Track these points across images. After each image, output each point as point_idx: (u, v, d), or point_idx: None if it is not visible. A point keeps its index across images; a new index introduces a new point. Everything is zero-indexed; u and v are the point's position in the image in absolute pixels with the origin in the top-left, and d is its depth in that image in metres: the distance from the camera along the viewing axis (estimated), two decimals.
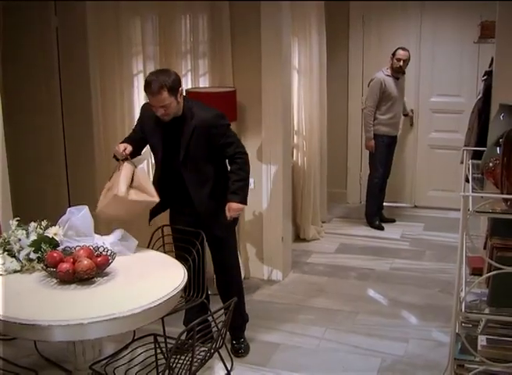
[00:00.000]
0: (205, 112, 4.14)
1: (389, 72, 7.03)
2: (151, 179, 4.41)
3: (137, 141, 4.25)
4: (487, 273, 3.04)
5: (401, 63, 6.96)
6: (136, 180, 3.90)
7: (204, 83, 5.52)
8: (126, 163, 3.96)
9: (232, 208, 4.17)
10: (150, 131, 4.20)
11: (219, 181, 4.26)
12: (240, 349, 4.51)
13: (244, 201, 4.25)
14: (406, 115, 7.67)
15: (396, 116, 7.15)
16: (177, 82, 3.94)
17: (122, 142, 4.21)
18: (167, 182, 4.23)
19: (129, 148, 4.07)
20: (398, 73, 7.04)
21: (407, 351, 4.54)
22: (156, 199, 3.89)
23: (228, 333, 4.40)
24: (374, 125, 7.04)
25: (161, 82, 3.83)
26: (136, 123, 4.46)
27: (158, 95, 3.84)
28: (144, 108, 4.30)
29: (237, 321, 4.45)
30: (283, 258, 5.81)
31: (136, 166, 4.02)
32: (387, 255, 6.47)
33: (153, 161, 4.56)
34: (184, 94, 4.09)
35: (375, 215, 7.36)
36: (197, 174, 4.18)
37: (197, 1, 5.37)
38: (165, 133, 4.13)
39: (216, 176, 4.25)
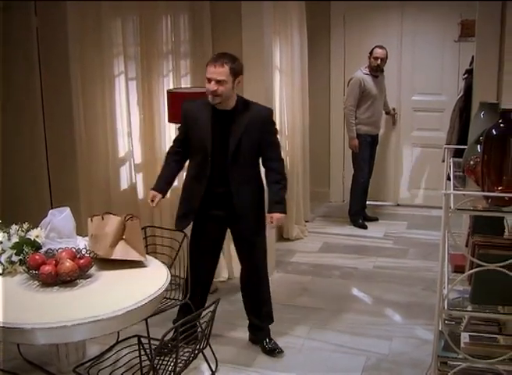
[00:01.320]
0: (260, 107, 4.23)
1: (367, 70, 7.05)
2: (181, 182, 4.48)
3: (185, 142, 4.28)
4: (469, 270, 3.05)
5: (379, 62, 6.99)
6: (127, 231, 3.63)
7: (185, 83, 5.51)
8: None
9: (276, 218, 4.17)
10: (196, 125, 4.15)
11: (258, 184, 4.29)
12: (276, 348, 4.49)
13: (286, 211, 4.28)
14: (388, 113, 7.69)
15: (376, 114, 7.16)
16: (240, 68, 4.02)
17: (169, 153, 4.40)
18: (204, 180, 4.15)
19: (158, 199, 4.23)
20: (376, 71, 7.06)
21: (392, 350, 4.55)
22: (143, 259, 3.59)
23: (253, 336, 4.61)
24: (356, 124, 7.05)
25: (228, 58, 3.94)
26: (180, 125, 4.40)
27: (220, 67, 3.90)
28: (187, 105, 4.27)
29: (268, 322, 4.58)
30: None
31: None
32: (370, 254, 6.49)
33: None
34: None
35: (359, 214, 7.38)
36: (243, 172, 4.15)
37: (178, 0, 5.35)
38: (215, 126, 4.09)
39: (257, 178, 4.28)
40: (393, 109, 7.79)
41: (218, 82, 3.90)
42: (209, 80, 3.94)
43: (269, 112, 4.24)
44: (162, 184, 4.32)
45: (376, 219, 7.51)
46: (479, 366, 3.10)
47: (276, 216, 4.16)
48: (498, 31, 5.07)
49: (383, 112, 7.51)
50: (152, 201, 4.24)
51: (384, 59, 7.03)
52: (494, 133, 2.89)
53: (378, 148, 7.45)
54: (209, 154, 4.09)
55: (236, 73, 3.97)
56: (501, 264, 2.83)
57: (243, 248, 4.45)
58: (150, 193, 4.29)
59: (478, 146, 3.07)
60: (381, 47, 7.00)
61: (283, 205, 4.21)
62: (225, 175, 4.11)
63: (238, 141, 4.05)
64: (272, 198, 4.20)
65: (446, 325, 3.38)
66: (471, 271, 2.98)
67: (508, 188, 2.86)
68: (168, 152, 4.44)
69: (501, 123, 2.89)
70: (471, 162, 3.18)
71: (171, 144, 4.52)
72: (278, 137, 4.33)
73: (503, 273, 2.83)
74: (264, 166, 4.27)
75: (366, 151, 7.17)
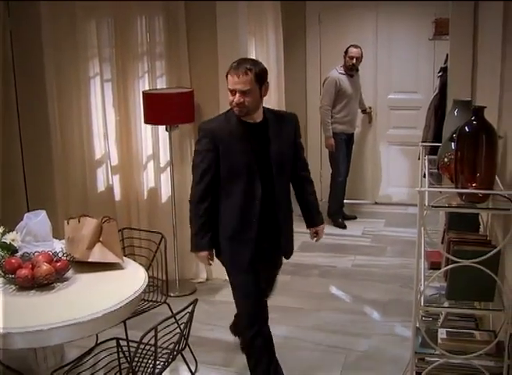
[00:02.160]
0: (286, 113, 3.97)
1: (342, 70, 7.05)
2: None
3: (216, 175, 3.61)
4: (445, 267, 3.08)
5: (354, 61, 6.99)
6: (104, 233, 3.61)
7: (161, 84, 5.50)
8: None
9: (322, 230, 4.04)
10: (233, 146, 3.56)
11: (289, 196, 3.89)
12: None
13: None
14: (364, 111, 7.72)
15: (351, 113, 7.17)
16: (265, 73, 3.53)
17: (200, 187, 3.61)
18: (257, 204, 3.62)
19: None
20: (352, 70, 7.06)
21: (371, 347, 4.57)
22: (120, 261, 3.54)
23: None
24: (332, 123, 7.06)
25: (251, 65, 3.46)
26: (202, 156, 3.60)
27: (244, 76, 3.40)
28: (208, 128, 3.63)
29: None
30: None
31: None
32: (349, 252, 6.51)
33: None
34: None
35: (339, 213, 7.40)
36: (285, 185, 3.78)
37: (153, 0, 5.33)
38: (253, 142, 3.59)
39: (289, 191, 3.87)
40: (369, 108, 7.81)
41: (243, 93, 3.42)
42: (232, 92, 3.47)
43: (296, 118, 3.81)
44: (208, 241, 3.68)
45: (354, 218, 7.53)
46: (456, 362, 3.12)
47: (321, 227, 4.01)
48: (471, 29, 5.11)
49: (359, 110, 7.53)
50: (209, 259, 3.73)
51: (359, 58, 7.04)
52: (467, 130, 2.92)
53: (354, 146, 7.47)
54: (256, 172, 3.58)
55: (262, 79, 3.49)
56: (475, 260, 2.85)
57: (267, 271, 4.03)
58: (202, 255, 3.69)
59: (452, 143, 3.10)
60: (356, 46, 7.01)
61: (321, 215, 4.06)
62: (272, 192, 3.65)
63: (280, 153, 3.63)
64: (312, 210, 3.97)
65: (423, 321, 3.41)
66: (447, 267, 3.01)
67: (482, 185, 2.89)
68: (196, 201, 3.65)
69: (473, 120, 2.92)
70: (445, 160, 3.22)
71: (194, 187, 3.65)
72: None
73: (478, 269, 2.86)
74: (297, 175, 3.87)
75: (342, 150, 7.17)
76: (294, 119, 3.77)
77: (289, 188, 3.83)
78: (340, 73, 7.04)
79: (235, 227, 3.65)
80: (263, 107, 3.63)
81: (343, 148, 7.16)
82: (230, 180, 3.59)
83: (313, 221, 4.00)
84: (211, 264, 3.81)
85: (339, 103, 7.04)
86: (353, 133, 7.35)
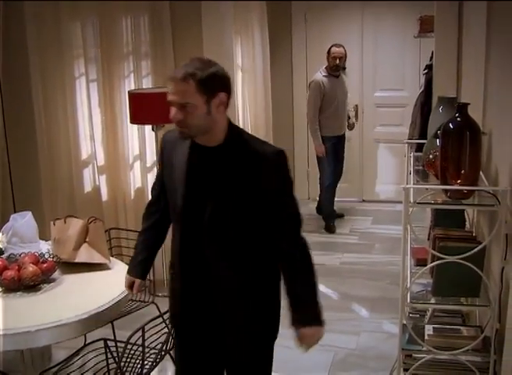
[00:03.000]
0: (267, 146, 2.58)
1: (326, 72, 6.85)
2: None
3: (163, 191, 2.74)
4: (431, 263, 3.09)
5: (337, 61, 6.78)
6: (90, 234, 3.60)
7: (147, 84, 5.49)
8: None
9: (310, 336, 2.70)
10: (172, 164, 2.62)
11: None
12: None
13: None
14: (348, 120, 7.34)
15: (340, 117, 6.99)
16: (217, 80, 2.44)
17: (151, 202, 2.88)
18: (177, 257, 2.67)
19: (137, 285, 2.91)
20: (336, 70, 6.85)
21: (359, 344, 4.58)
22: (107, 261, 3.49)
23: None
24: (320, 129, 6.85)
25: (193, 70, 2.38)
26: (158, 163, 3.00)
27: (180, 84, 2.38)
28: (164, 139, 2.73)
29: None
30: None
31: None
32: (337, 250, 6.52)
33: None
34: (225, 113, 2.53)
35: (332, 217, 7.25)
36: (225, 253, 2.55)
37: (138, 0, 5.33)
38: (192, 169, 2.55)
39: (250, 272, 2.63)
40: (356, 106, 7.76)
41: (182, 107, 2.40)
42: (170, 105, 2.43)
43: (280, 160, 2.52)
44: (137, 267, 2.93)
45: (342, 216, 7.52)
46: (443, 358, 3.14)
47: (310, 332, 2.71)
48: (456, 27, 5.13)
49: (348, 112, 7.28)
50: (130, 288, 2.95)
51: (342, 58, 6.84)
52: (451, 127, 2.93)
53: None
54: (180, 214, 2.59)
55: (209, 88, 2.40)
56: (461, 256, 2.87)
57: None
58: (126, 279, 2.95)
59: (437, 140, 3.11)
60: (338, 45, 6.83)
61: (315, 315, 2.74)
62: (202, 257, 2.56)
63: (220, 199, 2.51)
64: (298, 305, 2.72)
65: (410, 318, 3.43)
66: (432, 264, 3.02)
67: (466, 181, 2.91)
68: (144, 213, 2.93)
69: (457, 117, 2.94)
70: (430, 156, 3.24)
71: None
72: (295, 200, 2.65)
73: (464, 265, 2.87)
74: (279, 251, 2.64)
75: (329, 154, 6.98)
76: (275, 161, 2.51)
77: (250, 268, 2.61)
78: (324, 75, 6.85)
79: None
80: (236, 130, 2.58)
81: (330, 152, 6.99)
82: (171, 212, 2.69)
83: (297, 319, 2.68)
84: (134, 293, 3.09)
85: (327, 107, 6.84)
86: (343, 134, 7.19)
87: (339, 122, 7.01)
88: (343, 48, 6.85)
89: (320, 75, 6.87)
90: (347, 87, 7.16)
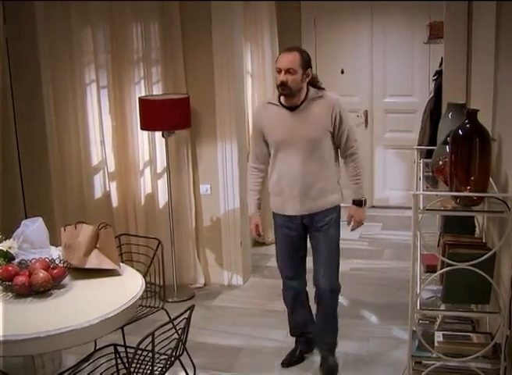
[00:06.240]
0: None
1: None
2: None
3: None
4: (440, 269, 3.09)
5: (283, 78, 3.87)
6: (101, 239, 3.61)
7: (157, 90, 5.51)
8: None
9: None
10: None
11: None
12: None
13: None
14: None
15: (291, 182, 4.05)
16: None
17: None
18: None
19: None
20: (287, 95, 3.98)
21: (369, 351, 4.57)
22: (117, 267, 3.55)
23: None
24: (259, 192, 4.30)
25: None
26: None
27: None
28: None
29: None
30: (243, 263, 5.81)
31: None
32: (346, 256, 6.45)
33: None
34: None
35: None
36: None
37: (147, 0, 5.33)
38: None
39: None
40: (365, 111, 7.76)
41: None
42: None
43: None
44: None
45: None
46: (453, 364, 3.13)
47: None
48: (465, 32, 5.13)
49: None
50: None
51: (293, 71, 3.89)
52: (460, 133, 2.93)
53: None
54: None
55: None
56: (470, 263, 2.86)
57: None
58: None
59: (446, 146, 3.11)
60: (288, 50, 3.91)
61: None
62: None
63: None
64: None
65: (420, 324, 3.42)
66: (442, 270, 3.01)
67: (476, 188, 2.90)
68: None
69: (467, 123, 2.94)
70: (440, 163, 3.23)
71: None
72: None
73: (474, 272, 2.87)
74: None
75: (282, 242, 4.32)
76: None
77: None
78: (269, 102, 4.07)
79: None
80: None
81: (281, 239, 4.31)
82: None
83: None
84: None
85: (274, 156, 4.05)
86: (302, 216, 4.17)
87: (284, 187, 4.11)
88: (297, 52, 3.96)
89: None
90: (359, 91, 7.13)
